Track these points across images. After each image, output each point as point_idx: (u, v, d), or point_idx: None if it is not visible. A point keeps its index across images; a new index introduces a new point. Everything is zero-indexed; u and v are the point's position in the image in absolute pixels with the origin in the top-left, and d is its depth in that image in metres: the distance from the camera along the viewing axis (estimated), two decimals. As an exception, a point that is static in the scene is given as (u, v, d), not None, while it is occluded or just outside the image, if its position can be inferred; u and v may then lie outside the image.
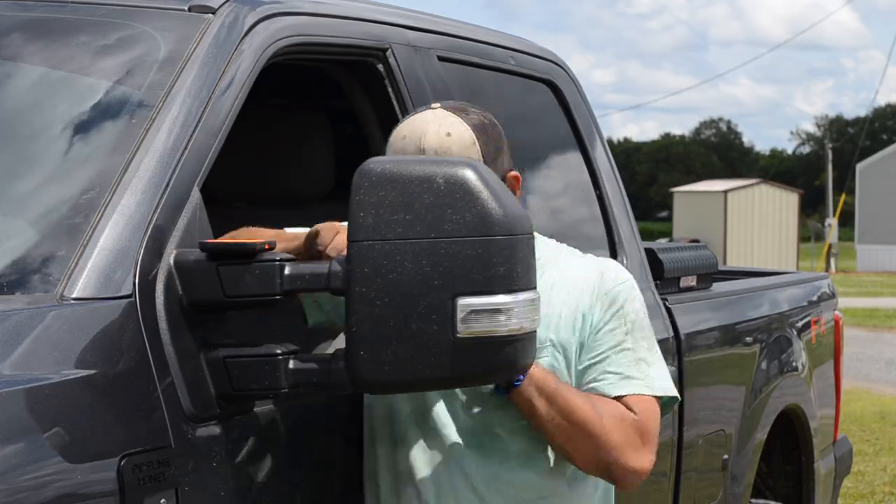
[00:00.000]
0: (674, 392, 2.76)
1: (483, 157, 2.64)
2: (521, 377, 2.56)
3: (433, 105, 2.72)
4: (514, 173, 2.73)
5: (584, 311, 2.72)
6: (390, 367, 2.28)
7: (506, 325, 2.28)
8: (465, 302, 2.26)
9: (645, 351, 2.73)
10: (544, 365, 2.67)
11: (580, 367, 2.71)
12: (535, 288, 2.35)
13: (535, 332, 2.37)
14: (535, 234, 2.80)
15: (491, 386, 2.63)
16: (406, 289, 2.26)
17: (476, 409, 2.69)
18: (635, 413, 2.66)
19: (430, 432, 2.69)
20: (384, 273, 2.26)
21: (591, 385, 2.69)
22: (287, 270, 2.37)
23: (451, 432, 2.68)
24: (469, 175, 2.29)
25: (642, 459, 2.66)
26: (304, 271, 2.38)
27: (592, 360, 2.70)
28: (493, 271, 2.27)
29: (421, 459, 2.70)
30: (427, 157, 2.52)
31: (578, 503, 2.75)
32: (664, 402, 2.75)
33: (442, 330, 2.27)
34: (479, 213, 2.27)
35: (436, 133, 2.63)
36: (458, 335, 2.27)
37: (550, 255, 2.80)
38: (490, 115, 2.75)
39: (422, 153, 2.61)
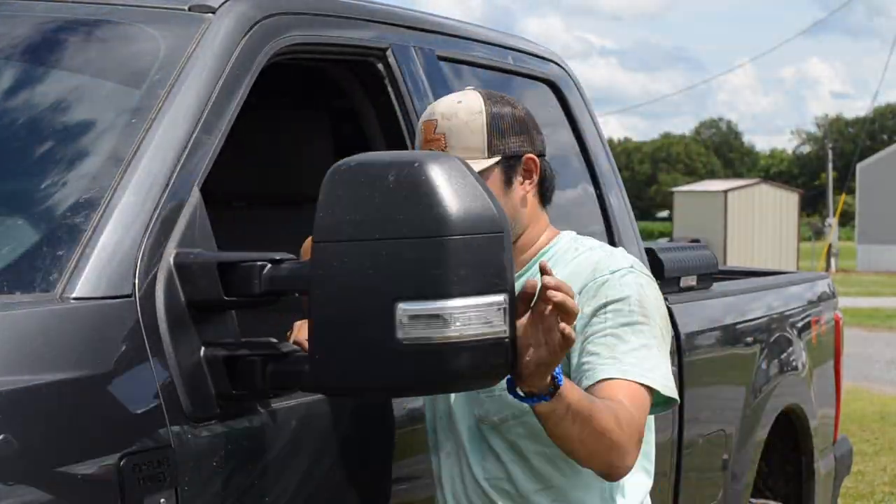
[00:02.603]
0: (673, 392, 2.66)
1: (488, 126, 2.69)
2: (546, 397, 2.42)
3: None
4: (530, 155, 2.75)
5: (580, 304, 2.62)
6: (340, 373, 2.23)
7: (443, 332, 2.17)
8: (405, 307, 2.17)
9: (644, 340, 2.63)
10: None
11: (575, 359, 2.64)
12: (486, 293, 2.20)
13: (495, 339, 2.22)
14: (560, 230, 2.84)
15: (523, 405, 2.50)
16: (352, 293, 2.19)
17: (496, 420, 2.71)
18: (632, 410, 2.56)
19: (455, 442, 2.78)
20: (335, 276, 2.20)
21: (582, 368, 2.61)
22: (265, 272, 2.36)
23: (472, 446, 2.75)
24: (419, 172, 2.21)
25: (633, 457, 2.57)
26: (281, 273, 2.36)
27: (583, 347, 2.62)
28: (432, 274, 2.17)
29: (446, 470, 2.80)
30: (389, 153, 2.39)
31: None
32: (659, 402, 2.66)
33: (385, 336, 2.18)
34: (420, 213, 2.18)
35: (450, 99, 2.75)
36: (399, 341, 2.17)
37: (563, 251, 2.79)
38: (525, 108, 2.80)
39: (431, 116, 2.72)
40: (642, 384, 2.59)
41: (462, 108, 2.70)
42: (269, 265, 2.36)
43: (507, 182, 2.73)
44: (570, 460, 2.63)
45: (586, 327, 2.63)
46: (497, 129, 2.70)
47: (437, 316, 2.16)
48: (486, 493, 2.73)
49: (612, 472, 2.60)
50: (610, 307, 2.64)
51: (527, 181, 2.76)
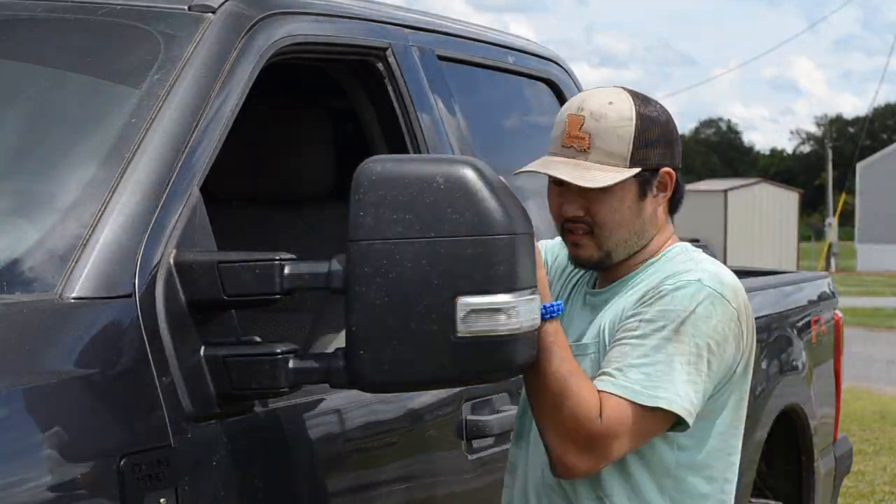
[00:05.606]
0: (684, 411, 2.51)
1: (635, 138, 2.60)
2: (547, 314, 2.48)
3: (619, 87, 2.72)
4: (667, 170, 2.66)
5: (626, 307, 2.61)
6: (390, 367, 2.29)
7: (506, 325, 2.29)
8: (466, 301, 2.27)
9: (663, 356, 2.51)
10: (585, 366, 2.57)
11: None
12: (534, 287, 2.35)
13: (535, 330, 2.37)
14: (679, 241, 2.73)
15: None
16: (406, 288, 2.27)
17: None
18: (602, 418, 2.48)
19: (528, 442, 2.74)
20: (384, 273, 2.27)
21: (601, 365, 2.56)
22: (287, 270, 2.38)
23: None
24: (468, 174, 2.30)
25: (578, 461, 2.49)
26: (302, 270, 2.39)
27: (611, 343, 2.58)
28: (492, 270, 2.27)
29: (521, 458, 2.75)
30: (428, 155, 2.51)
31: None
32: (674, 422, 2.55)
33: (442, 330, 2.27)
34: (478, 212, 2.28)
35: (600, 97, 2.64)
36: (458, 335, 2.27)
37: (665, 261, 2.68)
38: (668, 112, 2.70)
39: (579, 111, 2.62)
40: (638, 403, 2.49)
41: (613, 111, 2.61)
42: (289, 263, 2.38)
43: (642, 194, 2.64)
44: (635, 477, 2.59)
45: (622, 321, 2.59)
46: (644, 139, 2.62)
47: (498, 310, 2.28)
48: (547, 486, 2.65)
49: (551, 459, 2.54)
50: (648, 314, 2.55)
51: (660, 194, 2.68)
